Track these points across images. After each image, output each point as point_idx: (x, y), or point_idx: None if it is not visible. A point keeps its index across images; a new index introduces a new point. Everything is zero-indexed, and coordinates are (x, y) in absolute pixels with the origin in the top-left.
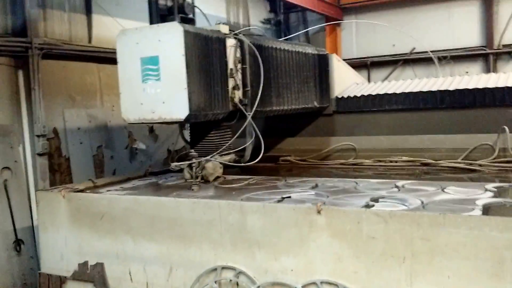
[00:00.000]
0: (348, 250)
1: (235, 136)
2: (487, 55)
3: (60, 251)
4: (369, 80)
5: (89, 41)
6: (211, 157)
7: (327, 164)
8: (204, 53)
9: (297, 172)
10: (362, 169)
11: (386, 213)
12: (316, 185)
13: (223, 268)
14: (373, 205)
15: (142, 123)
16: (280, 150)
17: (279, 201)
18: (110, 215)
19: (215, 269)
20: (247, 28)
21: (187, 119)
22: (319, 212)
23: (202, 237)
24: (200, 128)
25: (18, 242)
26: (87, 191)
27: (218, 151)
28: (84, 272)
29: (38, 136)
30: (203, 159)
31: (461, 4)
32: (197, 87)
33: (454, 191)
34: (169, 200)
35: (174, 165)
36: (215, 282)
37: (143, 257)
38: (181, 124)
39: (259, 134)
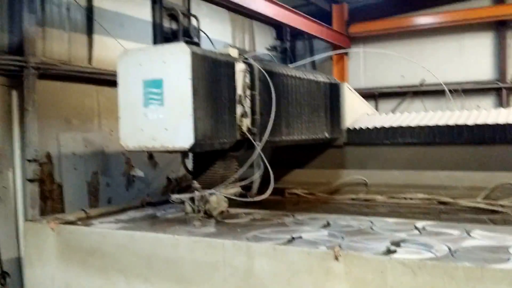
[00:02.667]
0: None
1: (244, 167)
2: (500, 89)
3: None
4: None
5: (89, 62)
6: (216, 190)
7: (337, 199)
8: (212, 78)
9: (305, 207)
10: (375, 206)
11: (415, 263)
12: (328, 224)
13: None
14: (395, 251)
15: (142, 151)
16: (287, 182)
17: (289, 242)
18: (102, 251)
19: None
20: (257, 52)
21: (192, 148)
22: (336, 258)
23: (203, 282)
24: (204, 157)
25: (3, 275)
26: (79, 222)
27: (224, 183)
28: None
29: (29, 160)
30: (206, 192)
31: (473, 36)
32: (204, 113)
33: (481, 236)
34: (168, 238)
35: (174, 197)
36: None
37: None
38: (185, 153)
39: (268, 166)
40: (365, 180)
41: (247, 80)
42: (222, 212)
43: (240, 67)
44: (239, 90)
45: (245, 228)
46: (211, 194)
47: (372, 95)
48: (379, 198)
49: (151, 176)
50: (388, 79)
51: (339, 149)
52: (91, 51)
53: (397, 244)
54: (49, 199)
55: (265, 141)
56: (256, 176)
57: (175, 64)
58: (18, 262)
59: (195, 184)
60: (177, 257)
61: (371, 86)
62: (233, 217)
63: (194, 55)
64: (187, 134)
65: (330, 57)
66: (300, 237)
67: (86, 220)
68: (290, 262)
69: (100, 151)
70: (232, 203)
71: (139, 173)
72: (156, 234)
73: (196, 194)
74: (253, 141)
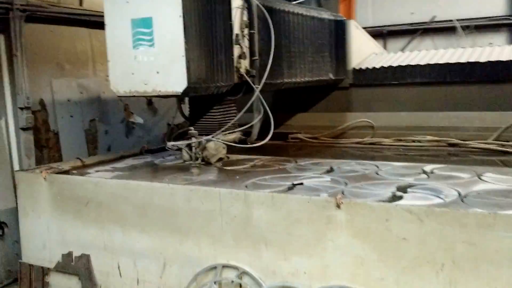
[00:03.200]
0: (373, 253)
1: (241, 112)
2: None
3: (42, 240)
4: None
5: (80, 4)
6: (213, 137)
7: (342, 143)
8: (206, 15)
9: (308, 152)
10: (381, 149)
11: (422, 210)
12: (332, 169)
13: (224, 266)
14: (401, 197)
15: (134, 96)
16: (290, 127)
17: (289, 189)
18: (96, 201)
19: (214, 268)
20: None
21: (186, 92)
22: (338, 206)
23: (200, 231)
24: (201, 102)
25: (0, 226)
26: (74, 171)
27: (221, 129)
28: (69, 264)
29: (21, 108)
30: (203, 138)
31: None
32: (198, 54)
33: (493, 180)
34: (163, 187)
35: (170, 144)
36: (215, 282)
37: (133, 250)
38: (179, 97)
39: (268, 110)
40: (371, 123)
41: (245, 18)
42: (221, 159)
43: (237, 3)
44: (236, 29)
45: (244, 175)
46: (208, 140)
47: (381, 34)
48: (386, 141)
49: (151, 122)
50: (397, 17)
51: (345, 91)
52: None
53: (403, 189)
54: (46, 148)
55: (263, 83)
56: (256, 121)
57: (165, 0)
58: (15, 213)
59: (192, 130)
60: (173, 207)
61: (379, 24)
62: (233, 164)
63: None
64: (180, 77)
65: None
66: (301, 184)
67: (81, 169)
68: (289, 211)
69: (97, 97)
70: (233, 149)
71: (138, 119)
72: (151, 183)
73: (193, 140)
74: (251, 84)
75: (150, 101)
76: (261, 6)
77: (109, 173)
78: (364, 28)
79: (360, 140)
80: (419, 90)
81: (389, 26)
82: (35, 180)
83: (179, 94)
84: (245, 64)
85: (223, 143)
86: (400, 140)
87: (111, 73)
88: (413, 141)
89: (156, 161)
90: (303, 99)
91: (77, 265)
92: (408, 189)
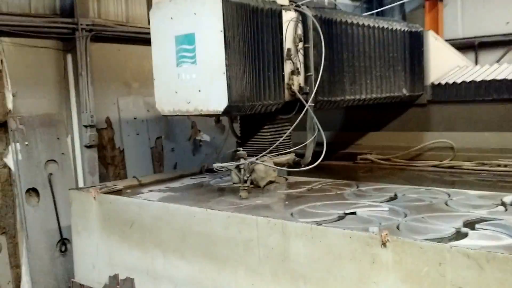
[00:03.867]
0: None
1: (287, 132)
2: None
3: (92, 260)
4: (476, 64)
5: (149, 22)
6: (257, 158)
7: (416, 166)
8: (252, 29)
9: (378, 175)
10: (461, 174)
11: (482, 255)
12: (395, 196)
13: None
14: (466, 234)
15: (177, 115)
16: (360, 147)
17: (340, 219)
18: (140, 223)
19: None
20: (334, 2)
21: (227, 111)
22: (384, 244)
23: (237, 261)
24: (252, 121)
25: (63, 242)
26: (128, 191)
27: (268, 150)
28: (114, 286)
29: (85, 126)
30: (250, 160)
31: None
32: (241, 71)
33: None
34: (201, 212)
35: (217, 166)
36: None
37: (174, 277)
38: (229, 116)
39: (320, 128)
40: (451, 144)
41: (299, 31)
42: (271, 182)
43: (289, 16)
44: (289, 44)
45: (295, 200)
46: (252, 162)
47: (472, 46)
48: (467, 164)
49: (219, 140)
50: (490, 27)
51: (422, 108)
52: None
53: (471, 225)
54: (112, 165)
55: (320, 100)
56: (309, 141)
57: (205, 14)
58: None
59: (241, 151)
60: (211, 233)
61: (470, 35)
62: (289, 187)
63: (225, 3)
64: (221, 95)
65: (422, 5)
66: (354, 213)
67: (136, 188)
68: (329, 246)
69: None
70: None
71: (205, 137)
72: (189, 207)
73: (242, 162)
74: (303, 101)
75: (218, 119)
76: (313, 18)
77: (161, 193)
78: (453, 39)
79: (438, 163)
80: (506, 108)
81: (481, 37)
82: (86, 199)
83: (220, 113)
84: (298, 80)
85: (269, 166)
86: (484, 164)
87: (157, 92)
88: (499, 165)
89: (212, 182)
90: (376, 117)
91: None
92: (477, 225)
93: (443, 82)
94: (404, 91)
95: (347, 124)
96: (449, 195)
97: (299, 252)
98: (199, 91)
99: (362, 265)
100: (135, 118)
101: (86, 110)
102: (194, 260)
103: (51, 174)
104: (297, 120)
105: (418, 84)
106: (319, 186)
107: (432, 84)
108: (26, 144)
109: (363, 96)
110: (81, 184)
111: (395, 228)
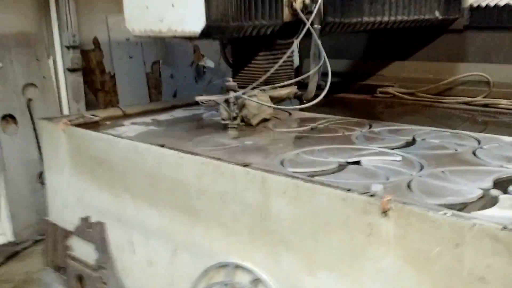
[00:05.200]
0: None
1: (280, 61)
2: None
3: (63, 198)
4: None
5: None
6: (245, 92)
7: (445, 102)
8: None
9: (398, 112)
10: (496, 114)
11: (509, 236)
12: (413, 141)
13: (237, 267)
14: (495, 200)
15: (149, 36)
16: (382, 78)
17: (340, 169)
18: (109, 163)
19: (226, 265)
20: None
21: (206, 33)
22: (385, 212)
23: (212, 216)
24: (246, 46)
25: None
26: (107, 122)
27: (257, 82)
28: (86, 230)
29: (67, 47)
30: (237, 94)
31: None
32: None
33: None
34: (172, 154)
35: (199, 99)
36: (225, 285)
37: (145, 226)
38: (197, 39)
39: (325, 58)
40: (487, 78)
41: None
42: (265, 120)
43: None
44: None
45: (293, 142)
46: (237, 98)
47: None
48: (504, 103)
49: (225, 66)
50: None
51: (457, 35)
52: None
53: (505, 185)
54: (101, 91)
55: (327, 22)
56: (312, 72)
57: None
58: None
59: (230, 82)
60: (183, 181)
61: None
62: (290, 125)
63: None
64: (197, 12)
65: None
66: (358, 163)
67: (118, 120)
68: (317, 209)
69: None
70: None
71: (209, 63)
72: (160, 148)
73: (231, 95)
74: (305, 21)
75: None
76: None
77: (142, 127)
78: None
79: (470, 99)
80: None
81: None
82: (55, 131)
83: (197, 35)
84: None
85: (256, 102)
86: None
87: (126, 6)
88: None
89: (205, 115)
90: (402, 44)
91: (93, 233)
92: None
93: (483, 4)
94: (437, 13)
95: (368, 52)
96: (479, 142)
97: (280, 212)
98: (173, 6)
99: (356, 237)
100: (127, 40)
101: (68, 29)
102: (165, 211)
103: (30, 99)
104: (292, 47)
105: (454, 5)
106: (326, 124)
107: (471, 6)
108: (0, 66)
109: (386, 19)
110: (65, 111)
111: (405, 187)
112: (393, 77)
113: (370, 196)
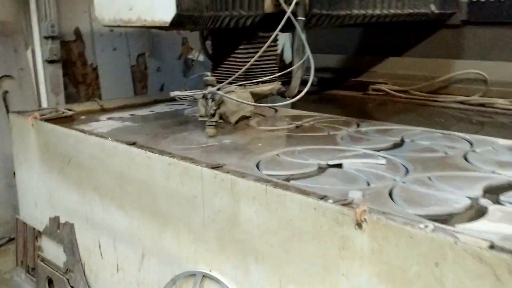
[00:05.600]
0: None
1: (256, 56)
2: None
3: (34, 196)
4: None
5: None
6: (221, 88)
7: (439, 101)
8: None
9: (390, 110)
10: (492, 114)
11: (502, 261)
12: (402, 142)
13: (205, 276)
14: (484, 211)
15: (119, 26)
16: (375, 75)
17: (319, 172)
18: (77, 160)
19: (194, 274)
20: None
21: (177, 22)
22: (359, 224)
23: (180, 221)
24: (225, 38)
25: None
26: (82, 117)
27: (233, 77)
28: (55, 230)
29: (46, 38)
30: (211, 90)
31: None
32: None
33: None
34: (140, 154)
35: (175, 94)
36: None
37: (113, 229)
38: (167, 30)
39: (309, 52)
40: (484, 76)
41: None
42: (245, 118)
43: None
44: None
45: (274, 142)
46: (211, 94)
47: None
48: (501, 102)
49: None
50: None
51: (455, 30)
52: None
53: (495, 194)
54: (83, 84)
55: (306, 13)
56: (295, 67)
57: None
58: None
59: (208, 76)
60: (151, 182)
61: None
62: (273, 123)
63: None
64: (167, 0)
65: None
66: (339, 165)
67: (95, 114)
68: (288, 217)
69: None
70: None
71: (199, 56)
72: (128, 146)
73: (209, 90)
74: (289, 13)
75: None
76: None
77: (118, 123)
78: None
79: (466, 98)
80: None
81: None
82: (25, 126)
83: (167, 24)
84: None
85: (233, 99)
86: None
87: None
88: None
89: (187, 111)
90: (396, 40)
91: (62, 234)
92: (503, 196)
93: None
94: (433, 7)
95: (360, 47)
96: (471, 144)
97: (250, 220)
98: None
99: (329, 250)
100: (111, 31)
101: (47, 18)
102: (133, 214)
103: (6, 91)
104: (270, 40)
105: None
106: (312, 123)
107: (469, 0)
108: None
109: (377, 12)
110: (44, 104)
111: (386, 194)
112: (387, 74)
113: (343, 205)
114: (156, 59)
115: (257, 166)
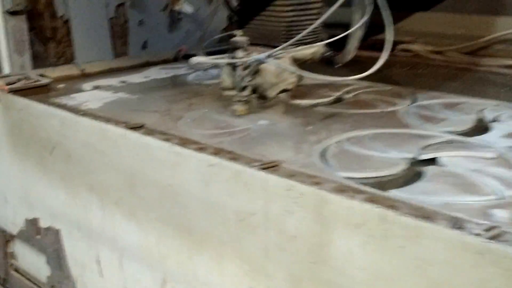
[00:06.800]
0: None
1: (330, 9)
2: None
3: (3, 191)
4: None
5: None
6: (272, 55)
7: (481, 65)
8: None
9: (427, 74)
10: None
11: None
12: (486, 121)
13: None
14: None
15: None
16: (402, 32)
17: (411, 176)
18: (64, 149)
19: None
20: None
21: None
22: None
23: (224, 243)
24: None
25: None
26: (60, 86)
27: (292, 40)
28: (33, 235)
29: None
30: (256, 57)
31: None
32: None
33: None
34: (163, 147)
35: (195, 60)
36: None
37: (119, 242)
38: None
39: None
40: None
41: None
42: (285, 91)
43: None
44: None
45: (323, 123)
46: (255, 62)
47: None
48: None
49: (206, 13)
50: None
51: None
52: None
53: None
54: (53, 41)
55: None
56: (356, 27)
57: None
58: None
59: (238, 36)
60: (180, 186)
61: None
62: (306, 94)
63: None
64: None
65: None
66: (432, 160)
67: (76, 82)
68: (422, 260)
69: None
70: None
71: (187, 9)
72: (143, 136)
73: (239, 55)
74: None
75: None
76: None
77: (109, 94)
78: None
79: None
80: None
81: None
82: None
83: None
84: None
85: (287, 68)
86: None
87: None
88: None
89: (190, 77)
90: None
91: (44, 241)
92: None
93: None
94: None
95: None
96: None
97: (351, 256)
98: None
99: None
100: None
101: None
102: (149, 226)
103: None
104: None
105: None
106: (354, 93)
107: None
108: None
109: None
110: (5, 67)
111: None
112: (416, 31)
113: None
114: (138, 10)
115: (326, 162)
